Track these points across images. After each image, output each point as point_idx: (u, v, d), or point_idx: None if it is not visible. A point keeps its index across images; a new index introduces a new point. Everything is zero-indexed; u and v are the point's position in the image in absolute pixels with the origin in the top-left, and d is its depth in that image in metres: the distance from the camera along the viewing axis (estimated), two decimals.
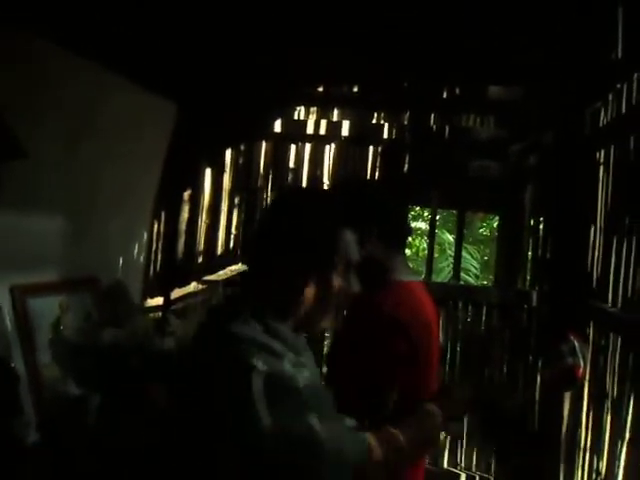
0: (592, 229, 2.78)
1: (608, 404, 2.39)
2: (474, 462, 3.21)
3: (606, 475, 2.25)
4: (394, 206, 1.46)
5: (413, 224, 7.46)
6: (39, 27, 2.14)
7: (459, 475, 3.22)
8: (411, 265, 5.51)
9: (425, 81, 3.15)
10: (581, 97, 2.92)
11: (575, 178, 2.89)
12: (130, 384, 2.20)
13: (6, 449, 1.71)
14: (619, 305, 2.41)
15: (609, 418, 2.37)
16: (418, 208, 6.91)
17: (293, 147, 3.43)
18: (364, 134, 3.37)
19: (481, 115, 3.28)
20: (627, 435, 2.21)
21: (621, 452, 2.22)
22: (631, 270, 2.33)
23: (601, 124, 2.83)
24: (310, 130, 3.42)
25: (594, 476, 2.49)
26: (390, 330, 1.29)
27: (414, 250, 7.32)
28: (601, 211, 2.75)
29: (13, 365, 2.03)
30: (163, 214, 3.35)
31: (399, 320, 1.29)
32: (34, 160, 2.17)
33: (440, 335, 3.25)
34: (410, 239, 7.32)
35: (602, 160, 2.81)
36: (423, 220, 7.34)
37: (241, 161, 3.50)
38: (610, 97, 2.73)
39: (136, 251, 3.21)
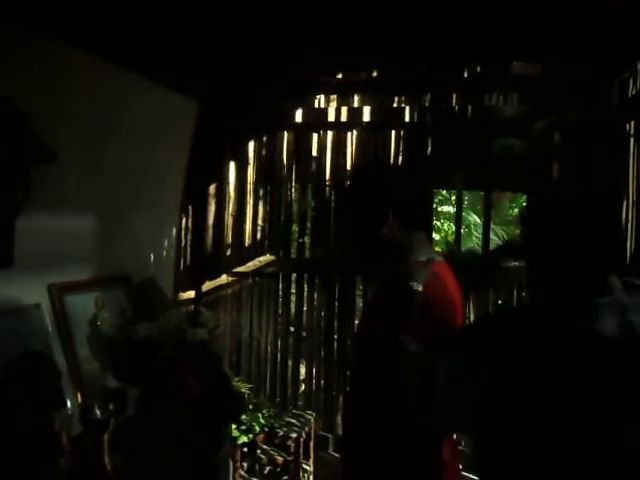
0: (624, 203, 2.71)
1: None
2: None
3: None
4: (409, 186, 1.46)
5: (440, 208, 7.36)
6: (63, 32, 2.19)
7: None
8: (438, 249, 5.44)
9: (446, 61, 3.10)
10: (609, 68, 2.83)
11: (604, 151, 2.82)
12: (165, 374, 2.25)
13: (50, 442, 1.79)
14: None
15: None
16: (445, 192, 6.81)
17: (315, 136, 3.43)
18: (386, 119, 3.34)
19: (504, 92, 3.22)
20: None
21: None
22: None
23: (630, 94, 2.76)
24: (331, 118, 3.41)
25: None
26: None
27: (442, 234, 7.23)
28: (633, 184, 2.68)
29: (54, 360, 2.10)
30: (191, 209, 3.40)
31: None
32: (66, 162, 2.23)
33: (467, 315, 3.25)
34: (439, 223, 7.26)
35: (632, 132, 2.74)
36: (450, 204, 7.23)
37: (264, 152, 3.52)
38: (639, 66, 2.65)
39: (166, 247, 3.27)
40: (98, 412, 1.95)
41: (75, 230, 2.42)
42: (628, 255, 2.60)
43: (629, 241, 2.62)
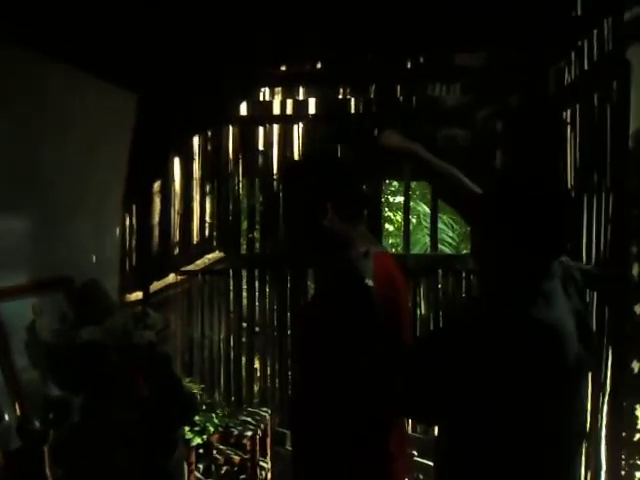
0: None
1: None
2: None
3: (590, 427, 2.29)
4: (346, 179, 1.45)
5: (392, 199, 7.43)
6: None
7: None
8: (392, 240, 5.47)
9: (388, 52, 3.11)
10: (544, 57, 2.91)
11: (542, 139, 2.89)
12: (111, 379, 2.18)
13: None
14: (592, 262, 2.43)
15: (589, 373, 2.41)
16: (397, 183, 6.88)
17: (261, 129, 3.38)
18: (331, 111, 3.33)
19: (446, 83, 3.26)
20: (608, 388, 2.25)
21: (603, 404, 2.26)
22: (602, 226, 2.35)
23: (565, 83, 2.84)
24: (277, 111, 3.37)
25: None
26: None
27: (396, 225, 7.30)
28: (570, 170, 2.76)
29: None
30: (135, 208, 3.29)
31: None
32: None
33: (420, 304, 3.30)
34: (391, 214, 7.33)
35: (568, 120, 2.82)
36: (402, 195, 7.31)
37: (209, 147, 3.45)
38: (572, 55, 2.73)
39: (110, 247, 3.16)
40: (37, 423, 1.87)
41: (7, 233, 2.30)
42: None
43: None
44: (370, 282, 1.27)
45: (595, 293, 2.38)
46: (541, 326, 1.08)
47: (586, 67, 2.56)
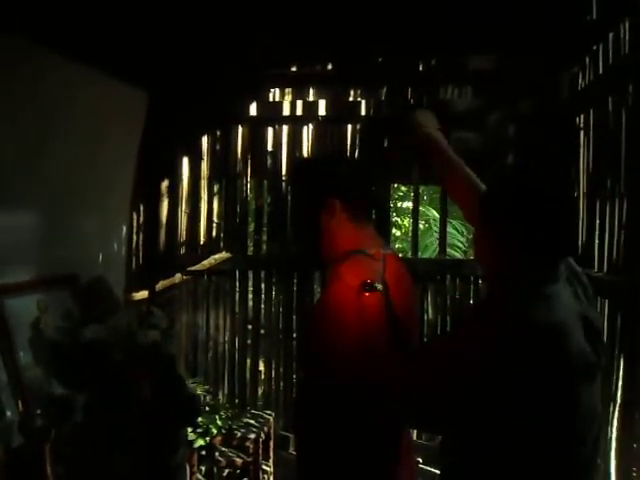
0: (575, 194, 2.76)
1: None
2: None
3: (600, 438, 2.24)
4: (355, 178, 1.42)
5: (400, 204, 7.40)
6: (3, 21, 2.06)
7: None
8: (399, 245, 5.43)
9: (400, 54, 3.09)
10: (558, 61, 2.88)
11: (555, 144, 2.86)
12: (115, 378, 2.16)
13: None
14: (605, 269, 2.40)
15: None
16: (405, 188, 6.85)
17: (270, 130, 3.36)
18: (341, 112, 3.31)
19: (459, 86, 3.23)
20: (619, 399, 2.20)
21: (614, 416, 2.21)
22: (615, 233, 2.31)
23: (579, 88, 2.80)
24: (286, 112, 3.36)
25: None
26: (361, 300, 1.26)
27: (404, 230, 7.27)
28: (583, 176, 2.73)
29: None
30: (142, 206, 3.28)
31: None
32: (3, 157, 2.11)
33: (427, 307, 3.26)
34: (398, 219, 7.30)
35: (582, 125, 2.78)
36: (411, 200, 7.28)
37: (218, 147, 3.43)
38: (587, 60, 2.70)
39: (117, 245, 3.14)
40: (39, 421, 1.85)
41: (13, 230, 2.29)
42: (579, 244, 2.64)
43: (580, 231, 2.66)
44: (380, 285, 1.24)
45: (607, 300, 2.34)
46: (542, 329, 1.06)
47: (601, 72, 2.53)
